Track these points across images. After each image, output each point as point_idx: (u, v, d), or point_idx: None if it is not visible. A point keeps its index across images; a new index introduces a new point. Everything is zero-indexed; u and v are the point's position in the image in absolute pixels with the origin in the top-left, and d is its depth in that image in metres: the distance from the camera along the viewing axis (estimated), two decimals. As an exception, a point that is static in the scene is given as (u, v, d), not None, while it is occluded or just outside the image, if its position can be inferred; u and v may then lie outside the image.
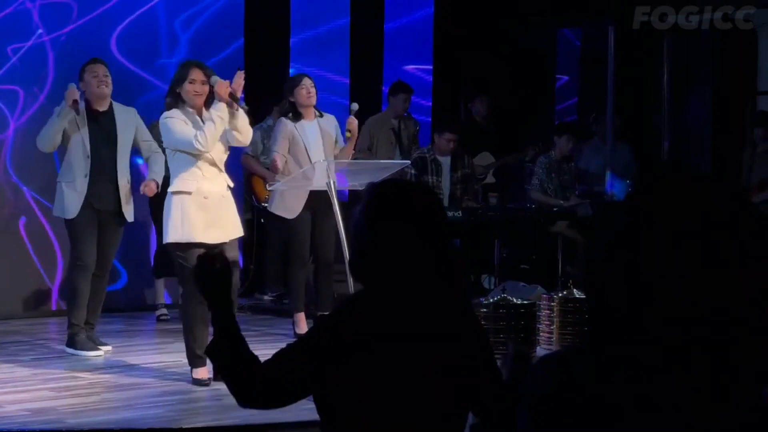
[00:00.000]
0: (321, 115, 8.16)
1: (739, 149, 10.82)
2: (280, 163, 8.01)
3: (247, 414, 5.54)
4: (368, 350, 2.80)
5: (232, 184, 6.94)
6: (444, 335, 2.85)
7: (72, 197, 7.53)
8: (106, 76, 7.66)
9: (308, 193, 7.93)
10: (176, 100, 6.73)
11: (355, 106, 8.04)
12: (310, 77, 8.14)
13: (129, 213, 7.69)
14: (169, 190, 6.75)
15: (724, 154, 11.29)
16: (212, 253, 3.03)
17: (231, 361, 2.93)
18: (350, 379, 2.79)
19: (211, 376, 6.55)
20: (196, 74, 6.71)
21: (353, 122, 7.98)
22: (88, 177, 7.52)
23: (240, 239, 10.70)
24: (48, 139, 7.48)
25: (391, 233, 2.85)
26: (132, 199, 7.74)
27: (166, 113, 6.73)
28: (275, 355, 2.90)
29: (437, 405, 2.82)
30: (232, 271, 2.97)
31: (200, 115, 6.72)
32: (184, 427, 5.76)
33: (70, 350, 7.56)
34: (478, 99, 11.46)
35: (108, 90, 7.66)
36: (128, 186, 7.71)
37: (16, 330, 8.54)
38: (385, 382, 2.78)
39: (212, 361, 2.98)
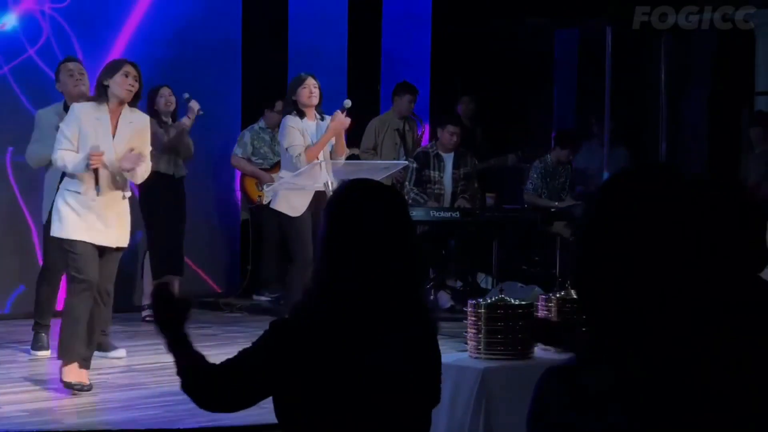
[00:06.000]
0: (322, 118, 7.88)
1: (736, 150, 10.82)
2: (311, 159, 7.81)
3: (245, 415, 5.52)
4: (330, 357, 2.78)
5: (128, 194, 6.80)
6: (404, 339, 2.84)
7: None
8: (82, 74, 7.55)
9: (313, 192, 7.78)
10: (99, 95, 6.64)
11: (347, 103, 7.79)
12: (314, 77, 7.90)
13: None
14: (63, 185, 6.66)
15: (721, 155, 11.29)
16: (169, 288, 3.02)
17: (194, 376, 2.99)
18: (313, 385, 2.77)
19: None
20: (130, 68, 6.63)
21: (337, 117, 7.68)
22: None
23: (237, 240, 10.83)
24: (39, 161, 7.51)
25: (348, 239, 2.83)
26: None
27: (77, 105, 6.69)
28: (238, 359, 2.88)
29: (400, 409, 2.82)
30: (191, 303, 2.98)
31: (114, 114, 6.62)
32: (181, 427, 5.75)
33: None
34: (463, 99, 11.39)
35: (85, 89, 7.52)
36: None
37: (15, 330, 8.52)
38: (348, 388, 2.77)
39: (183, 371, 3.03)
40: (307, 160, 7.61)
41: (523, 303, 7.12)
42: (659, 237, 1.57)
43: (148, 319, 9.23)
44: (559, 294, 7.71)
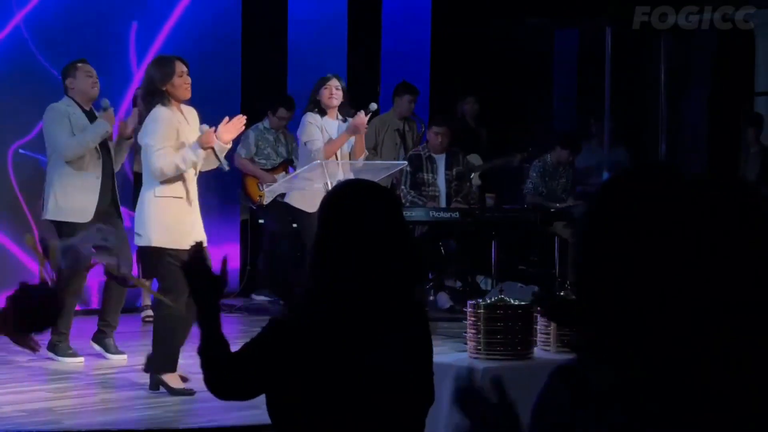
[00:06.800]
0: (344, 120, 7.95)
1: (735, 150, 10.83)
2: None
3: (245, 414, 5.54)
4: (330, 357, 2.77)
5: None
6: (404, 339, 2.85)
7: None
8: (97, 76, 7.60)
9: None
10: (162, 98, 6.39)
11: (372, 106, 7.94)
12: (339, 78, 8.01)
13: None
14: (157, 194, 6.38)
15: (721, 155, 11.29)
16: (202, 254, 2.93)
17: (217, 355, 2.86)
18: (312, 385, 2.77)
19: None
20: (183, 66, 6.50)
21: (358, 116, 7.75)
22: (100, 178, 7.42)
23: (237, 240, 10.82)
24: (79, 152, 7.34)
25: (348, 239, 2.83)
26: None
27: (160, 112, 6.38)
28: (245, 350, 2.84)
29: (399, 409, 2.81)
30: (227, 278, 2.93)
31: (180, 110, 6.51)
32: (181, 427, 5.75)
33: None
34: (467, 100, 11.41)
35: (98, 92, 7.59)
36: None
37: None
38: (348, 388, 2.77)
39: (204, 354, 2.89)
40: (326, 156, 7.70)
41: (522, 303, 7.13)
42: (659, 237, 1.57)
43: (147, 319, 9.22)
44: (559, 294, 7.73)
